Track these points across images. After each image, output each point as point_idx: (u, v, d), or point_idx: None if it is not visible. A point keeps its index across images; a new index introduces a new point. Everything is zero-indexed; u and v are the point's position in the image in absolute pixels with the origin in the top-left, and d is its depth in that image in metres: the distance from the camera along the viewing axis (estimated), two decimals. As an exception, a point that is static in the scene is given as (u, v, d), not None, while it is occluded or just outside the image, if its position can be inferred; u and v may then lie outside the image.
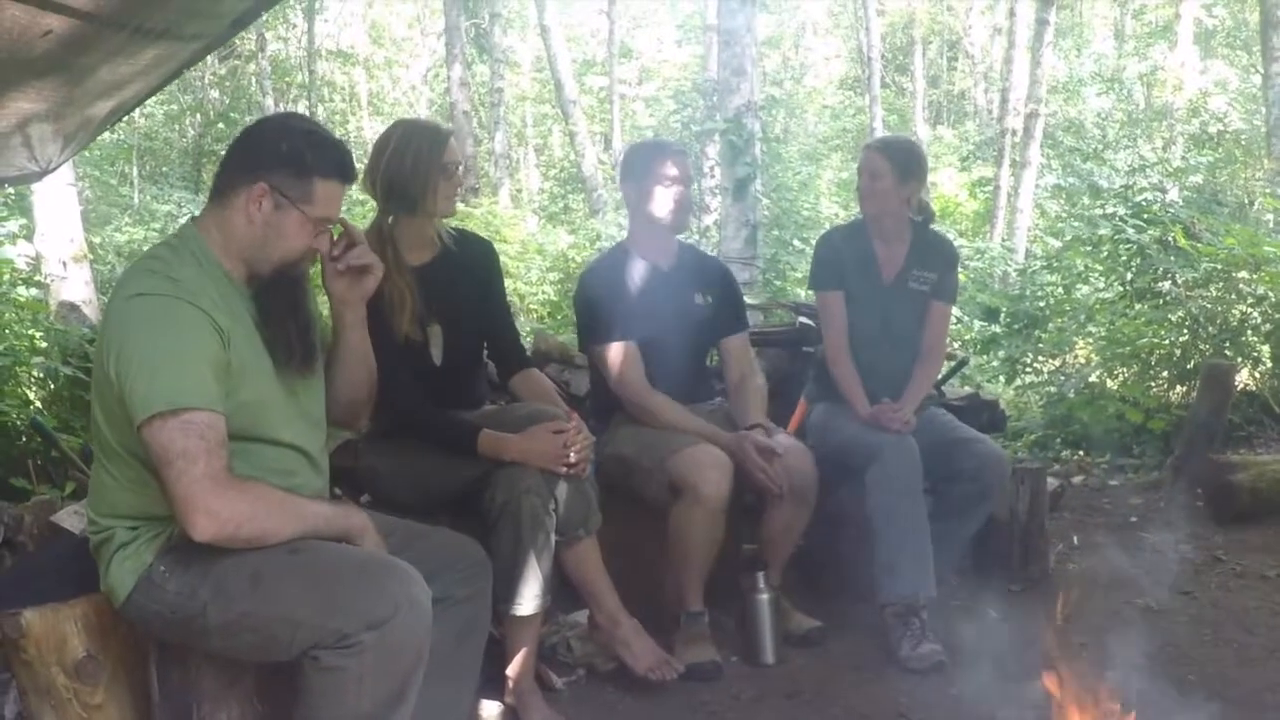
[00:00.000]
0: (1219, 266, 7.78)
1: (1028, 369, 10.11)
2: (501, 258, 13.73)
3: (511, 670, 3.50)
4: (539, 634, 3.62)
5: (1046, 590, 4.64)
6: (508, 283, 14.26)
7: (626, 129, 24.06)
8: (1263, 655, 3.91)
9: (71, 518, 3.98)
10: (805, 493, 3.99)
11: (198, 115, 20.07)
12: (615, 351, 4.03)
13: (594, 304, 4.09)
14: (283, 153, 2.60)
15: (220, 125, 20.19)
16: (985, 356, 11.05)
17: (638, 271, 4.14)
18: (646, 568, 4.06)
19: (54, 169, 5.71)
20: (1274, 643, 4.01)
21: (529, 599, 3.40)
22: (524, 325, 13.46)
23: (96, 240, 10.23)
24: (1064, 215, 14.60)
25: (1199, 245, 7.79)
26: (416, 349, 3.61)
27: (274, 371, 2.67)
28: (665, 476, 3.86)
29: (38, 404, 6.33)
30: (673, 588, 3.98)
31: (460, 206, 15.29)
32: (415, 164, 3.54)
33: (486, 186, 20.94)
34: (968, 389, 8.83)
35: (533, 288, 14.74)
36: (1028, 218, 15.41)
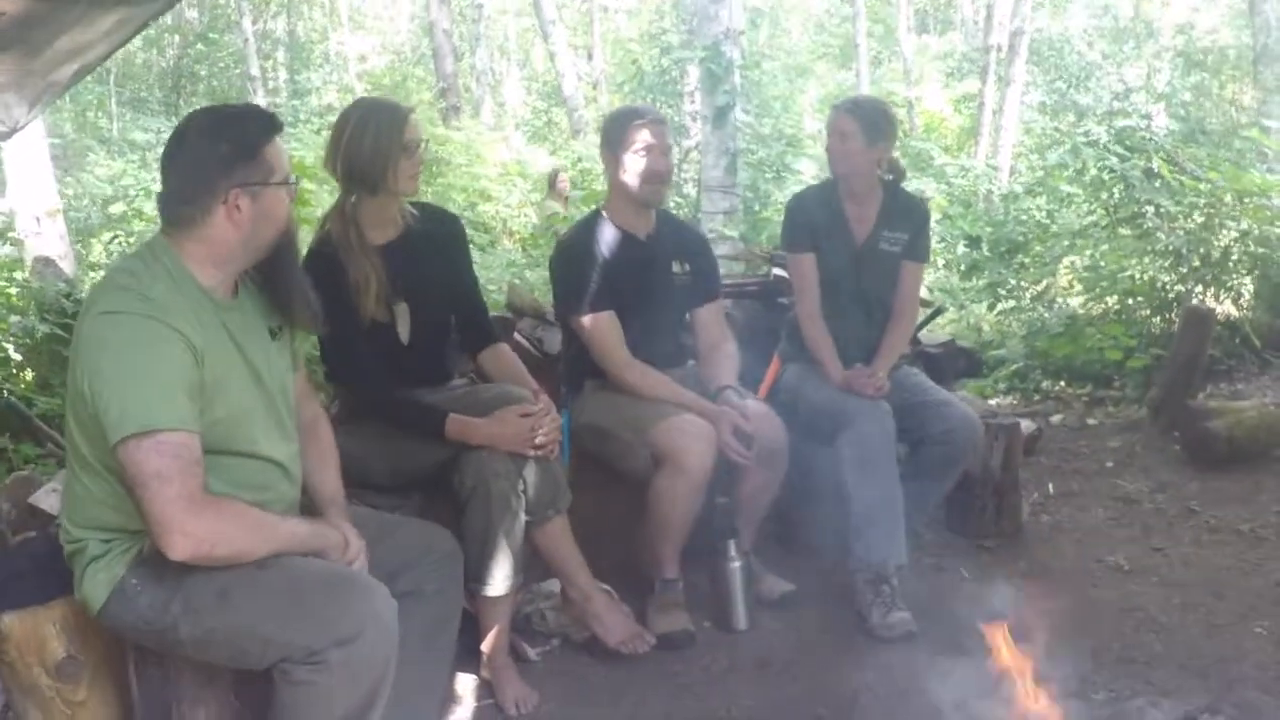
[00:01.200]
0: (1202, 202, 7.75)
1: (1009, 295, 10.11)
2: (482, 180, 13.56)
3: (485, 646, 3.55)
4: (513, 606, 3.66)
5: (1019, 545, 4.70)
6: (489, 207, 14.27)
7: (608, 43, 23.82)
8: (1231, 620, 3.93)
9: (49, 497, 3.99)
10: (775, 458, 4.00)
11: (176, 36, 19.82)
12: (595, 322, 4.01)
13: (572, 273, 4.06)
14: (224, 153, 2.57)
15: (199, 46, 20.00)
16: (970, 281, 11.07)
17: (615, 241, 4.09)
18: (619, 533, 4.10)
19: (22, 127, 5.65)
20: (1243, 607, 4.03)
21: (500, 580, 3.44)
22: (508, 250, 13.43)
23: (71, 193, 10.11)
24: (1048, 133, 14.50)
25: (1183, 179, 7.75)
26: (383, 329, 3.60)
27: (253, 382, 2.68)
28: (646, 448, 3.87)
29: (18, 358, 6.32)
30: (649, 554, 4.01)
31: (440, 130, 15.22)
32: (375, 144, 3.50)
33: (468, 104, 20.76)
34: (944, 328, 8.89)
35: (514, 210, 14.69)
36: (1012, 135, 15.32)
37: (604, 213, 4.17)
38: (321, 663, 2.46)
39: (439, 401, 3.61)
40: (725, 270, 5.83)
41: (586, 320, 4.01)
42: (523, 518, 3.48)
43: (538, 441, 3.46)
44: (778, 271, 5.38)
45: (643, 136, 4.00)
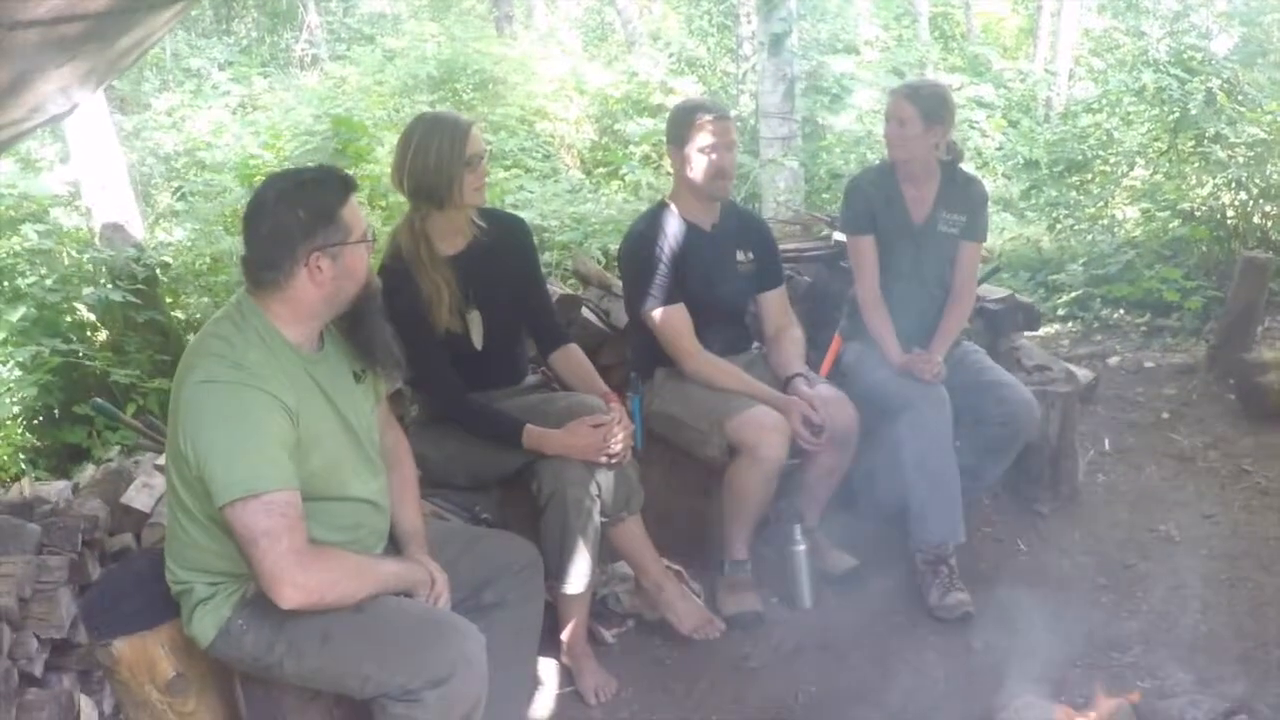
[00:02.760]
0: (1263, 130, 7.70)
1: (1069, 214, 10.08)
2: (539, 100, 13.30)
3: (565, 636, 3.77)
4: (590, 598, 3.85)
5: (1074, 511, 4.79)
6: (547, 125, 14.10)
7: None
8: (1277, 597, 4.01)
9: (140, 494, 4.20)
10: (846, 441, 4.14)
11: (225, -50, 19.75)
12: (665, 316, 4.14)
13: (641, 267, 4.17)
14: (303, 219, 2.70)
15: (248, -41, 19.90)
16: (1029, 200, 11.03)
17: (681, 232, 4.20)
18: (688, 509, 4.33)
19: (82, 104, 5.78)
20: (1289, 582, 4.12)
21: (578, 578, 3.63)
22: (567, 167, 13.36)
23: (135, 156, 10.12)
24: (1108, 34, 14.24)
25: (1243, 110, 7.70)
26: (457, 337, 3.75)
27: (342, 429, 2.84)
28: (722, 439, 4.02)
29: (91, 318, 6.49)
30: (720, 535, 4.20)
31: (495, 49, 15.09)
32: (439, 162, 3.61)
33: (521, 8, 20.54)
34: (1007, 244, 8.88)
35: (572, 126, 14.61)
36: (1071, 38, 15.03)
37: (670, 204, 4.27)
38: (417, 700, 2.67)
39: (514, 409, 3.77)
40: (784, 233, 5.90)
41: (657, 314, 4.14)
42: (598, 520, 3.65)
43: (610, 450, 3.61)
44: (838, 236, 5.44)
45: (707, 133, 4.09)
